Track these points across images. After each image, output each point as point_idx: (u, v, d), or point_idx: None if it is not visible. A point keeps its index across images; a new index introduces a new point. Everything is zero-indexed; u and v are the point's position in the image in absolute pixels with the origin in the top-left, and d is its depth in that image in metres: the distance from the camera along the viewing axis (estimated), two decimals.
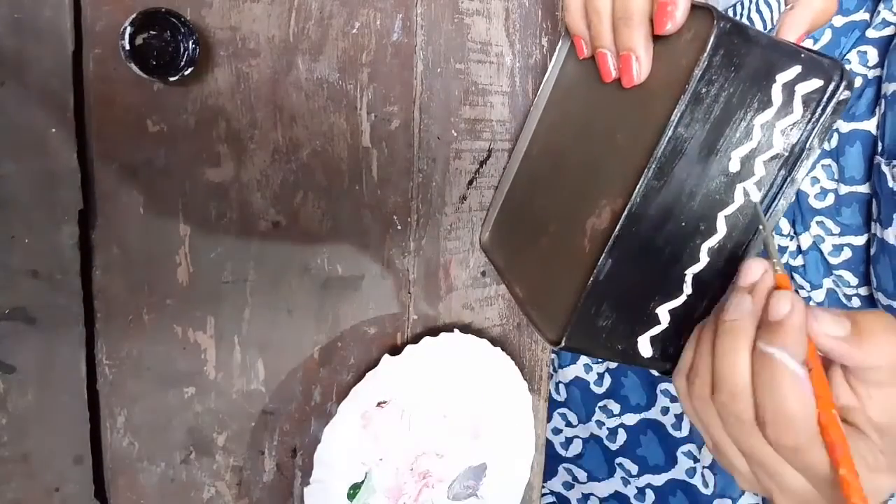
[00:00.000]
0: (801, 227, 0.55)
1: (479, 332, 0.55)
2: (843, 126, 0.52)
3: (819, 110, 0.35)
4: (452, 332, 0.51)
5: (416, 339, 0.50)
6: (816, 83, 0.35)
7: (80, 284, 0.38)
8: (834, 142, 0.53)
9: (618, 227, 0.35)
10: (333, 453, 0.47)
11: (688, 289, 0.38)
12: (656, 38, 0.37)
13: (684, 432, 0.64)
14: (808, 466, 0.31)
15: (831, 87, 0.35)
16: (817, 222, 0.54)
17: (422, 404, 0.51)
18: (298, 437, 0.48)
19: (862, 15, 0.55)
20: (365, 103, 0.46)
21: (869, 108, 0.51)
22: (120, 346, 0.40)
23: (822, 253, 0.55)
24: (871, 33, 0.53)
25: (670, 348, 0.39)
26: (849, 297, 0.54)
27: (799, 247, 0.56)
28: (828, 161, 0.53)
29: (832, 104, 0.35)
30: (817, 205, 0.54)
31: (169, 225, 0.40)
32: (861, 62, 0.52)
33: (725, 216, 0.37)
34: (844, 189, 0.52)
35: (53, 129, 0.36)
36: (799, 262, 0.56)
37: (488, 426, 0.54)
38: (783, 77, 0.34)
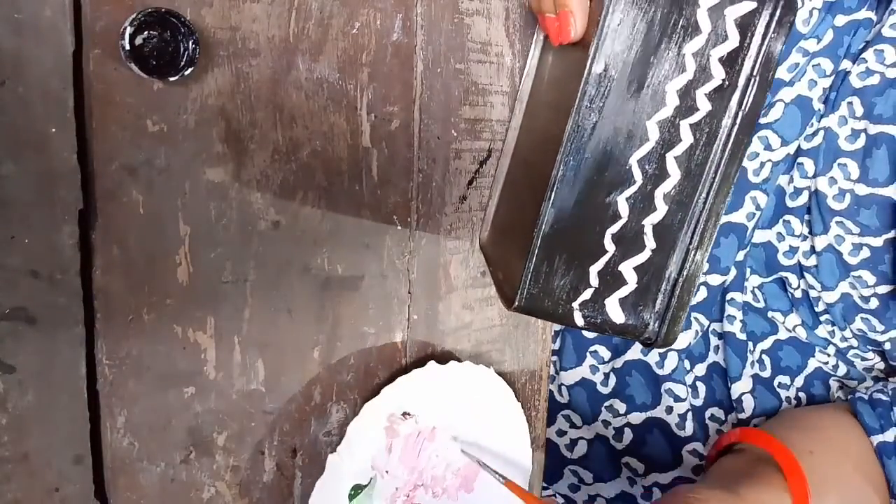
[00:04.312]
0: (819, 228, 0.54)
1: (480, 333, 0.55)
2: (871, 128, 0.51)
3: (759, 35, 0.34)
4: (462, 360, 0.51)
5: (416, 340, 0.50)
6: (749, 5, 0.33)
7: (80, 284, 0.38)
8: (861, 142, 0.52)
9: (554, 171, 0.34)
10: (354, 449, 0.47)
11: (650, 242, 0.36)
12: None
13: (689, 431, 0.64)
14: None
15: (768, 10, 0.34)
16: (837, 223, 0.53)
17: (439, 430, 0.51)
18: (298, 437, 0.48)
19: (865, 13, 0.55)
20: (365, 103, 0.46)
21: (895, 108, 0.50)
22: (120, 346, 0.40)
23: (840, 255, 0.54)
24: (888, 32, 0.52)
25: (644, 312, 0.37)
26: (866, 299, 0.53)
27: (813, 247, 0.55)
28: (845, 160, 0.53)
29: (772, 27, 0.34)
30: (836, 206, 0.53)
31: (169, 225, 0.40)
32: (878, 60, 0.52)
33: (675, 157, 0.35)
34: (864, 190, 0.51)
35: (53, 129, 0.36)
36: (812, 262, 0.55)
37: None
38: (707, 1, 0.33)
